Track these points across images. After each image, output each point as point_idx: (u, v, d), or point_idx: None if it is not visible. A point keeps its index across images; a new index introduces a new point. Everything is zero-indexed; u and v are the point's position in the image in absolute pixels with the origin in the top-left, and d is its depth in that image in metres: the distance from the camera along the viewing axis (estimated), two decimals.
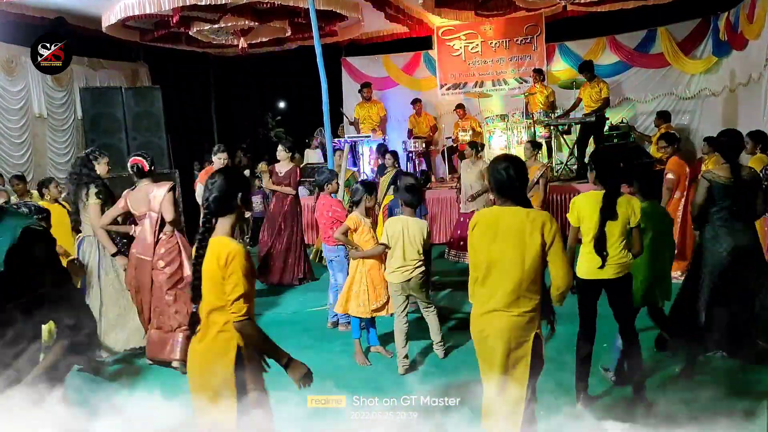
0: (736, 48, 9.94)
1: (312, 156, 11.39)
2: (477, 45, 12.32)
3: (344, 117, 11.80)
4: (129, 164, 4.93)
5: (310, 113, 12.42)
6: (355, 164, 10.16)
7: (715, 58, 10.69)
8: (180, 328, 4.80)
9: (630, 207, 3.67)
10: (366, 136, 10.63)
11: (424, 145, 10.85)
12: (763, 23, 8.75)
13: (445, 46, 12.43)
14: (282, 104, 21.05)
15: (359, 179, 8.77)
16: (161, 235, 4.84)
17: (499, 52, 12.26)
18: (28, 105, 9.83)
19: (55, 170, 9.99)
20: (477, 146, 8.08)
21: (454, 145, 11.00)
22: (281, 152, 7.63)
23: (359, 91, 11.77)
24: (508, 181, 2.75)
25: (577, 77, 10.68)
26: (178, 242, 4.87)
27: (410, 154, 10.64)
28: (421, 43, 12.73)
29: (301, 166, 11.38)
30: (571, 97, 10.73)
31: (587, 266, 3.74)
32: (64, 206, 5.86)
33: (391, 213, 6.06)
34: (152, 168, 4.97)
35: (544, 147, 10.48)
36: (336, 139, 10.01)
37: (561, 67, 12.01)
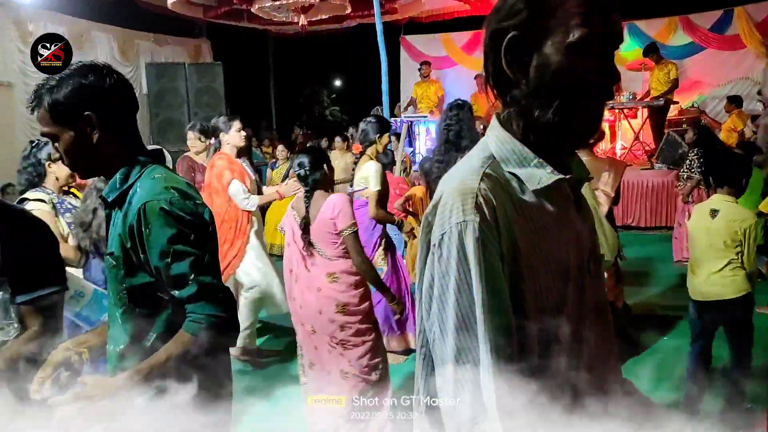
0: None
1: None
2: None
3: (399, 107, 11.69)
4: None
5: (365, 92, 12.41)
6: (411, 144, 10.08)
7: None
8: None
9: None
10: (423, 116, 10.51)
11: (481, 126, 10.65)
12: None
13: None
14: (338, 82, 21.16)
15: (413, 161, 8.80)
16: None
17: None
18: None
19: None
20: None
21: None
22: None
23: (418, 69, 11.64)
24: None
25: (645, 60, 10.24)
26: None
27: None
28: (481, 21, 12.37)
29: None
30: (637, 80, 10.29)
31: None
32: None
33: None
34: None
35: (608, 131, 10.13)
36: (392, 119, 9.94)
37: (629, 48, 11.53)
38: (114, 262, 1.53)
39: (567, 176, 1.02)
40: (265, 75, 14.92)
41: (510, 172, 1.01)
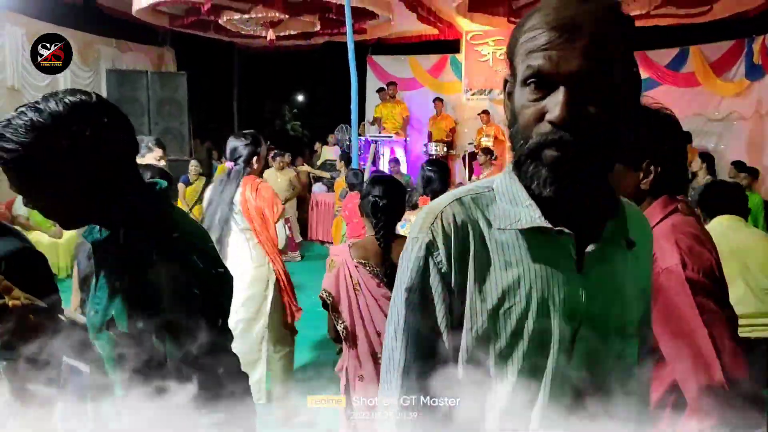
0: None
1: (329, 153, 11.34)
2: (505, 52, 12.16)
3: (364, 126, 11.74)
4: None
5: (330, 109, 12.42)
6: (374, 163, 10.09)
7: (748, 82, 10.50)
8: None
9: None
10: (388, 137, 10.54)
11: (445, 149, 10.77)
12: None
13: (473, 51, 12.30)
14: (302, 98, 21.11)
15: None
16: None
17: None
18: (53, 82, 9.86)
19: None
20: (491, 152, 8.70)
21: (476, 150, 10.90)
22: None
23: (380, 90, 11.73)
24: None
25: None
26: None
27: (431, 158, 10.55)
28: (448, 46, 12.61)
29: (319, 162, 11.38)
30: None
31: None
32: None
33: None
34: None
35: None
36: (360, 138, 9.98)
37: None
38: (118, 341, 1.23)
39: (551, 227, 0.87)
40: (229, 88, 14.74)
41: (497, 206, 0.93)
